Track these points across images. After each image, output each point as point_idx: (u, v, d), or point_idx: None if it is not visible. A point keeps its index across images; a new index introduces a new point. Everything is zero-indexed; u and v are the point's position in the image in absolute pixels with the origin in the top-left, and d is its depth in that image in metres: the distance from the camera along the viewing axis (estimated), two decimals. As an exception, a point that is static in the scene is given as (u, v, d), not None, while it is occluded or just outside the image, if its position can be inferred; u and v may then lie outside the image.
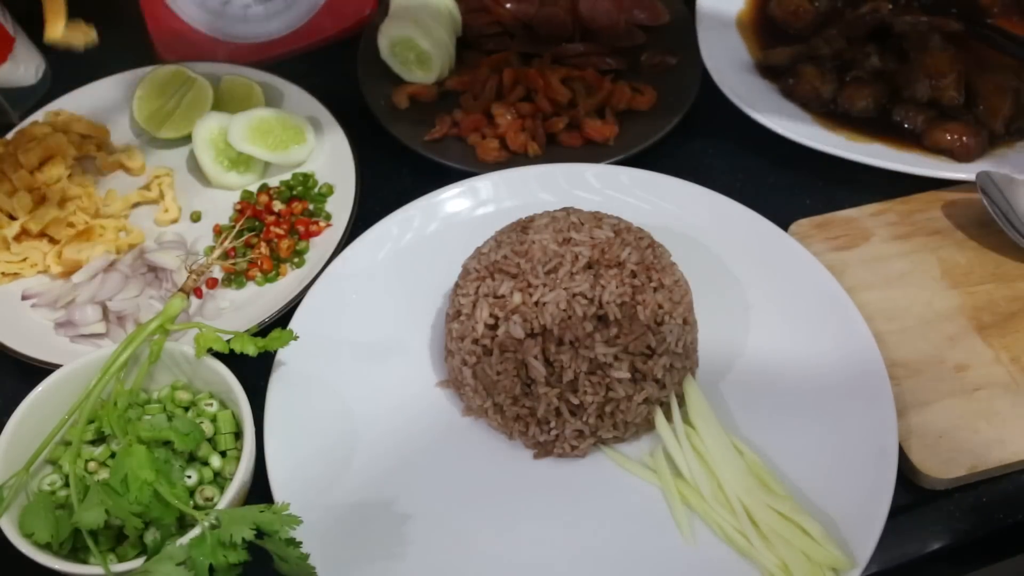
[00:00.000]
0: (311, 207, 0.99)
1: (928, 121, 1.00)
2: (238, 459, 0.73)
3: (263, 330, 0.83)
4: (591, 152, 1.02)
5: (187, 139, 1.05)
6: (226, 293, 0.94)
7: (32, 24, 1.14)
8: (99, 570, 0.65)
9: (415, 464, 0.79)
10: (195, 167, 1.04)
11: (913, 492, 0.78)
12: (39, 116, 1.06)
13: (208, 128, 1.01)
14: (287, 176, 1.03)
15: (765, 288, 0.89)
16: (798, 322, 0.86)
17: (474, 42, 1.15)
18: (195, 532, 0.66)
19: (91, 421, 0.74)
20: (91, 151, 1.04)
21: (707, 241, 0.92)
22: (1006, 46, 1.08)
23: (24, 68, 1.11)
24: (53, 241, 0.96)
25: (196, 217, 1.01)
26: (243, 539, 0.65)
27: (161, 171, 1.03)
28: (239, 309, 0.92)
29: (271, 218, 0.98)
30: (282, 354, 0.83)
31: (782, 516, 0.71)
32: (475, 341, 0.78)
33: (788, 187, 1.01)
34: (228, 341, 0.77)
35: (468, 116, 1.05)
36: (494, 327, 0.78)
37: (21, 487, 0.70)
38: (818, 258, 0.89)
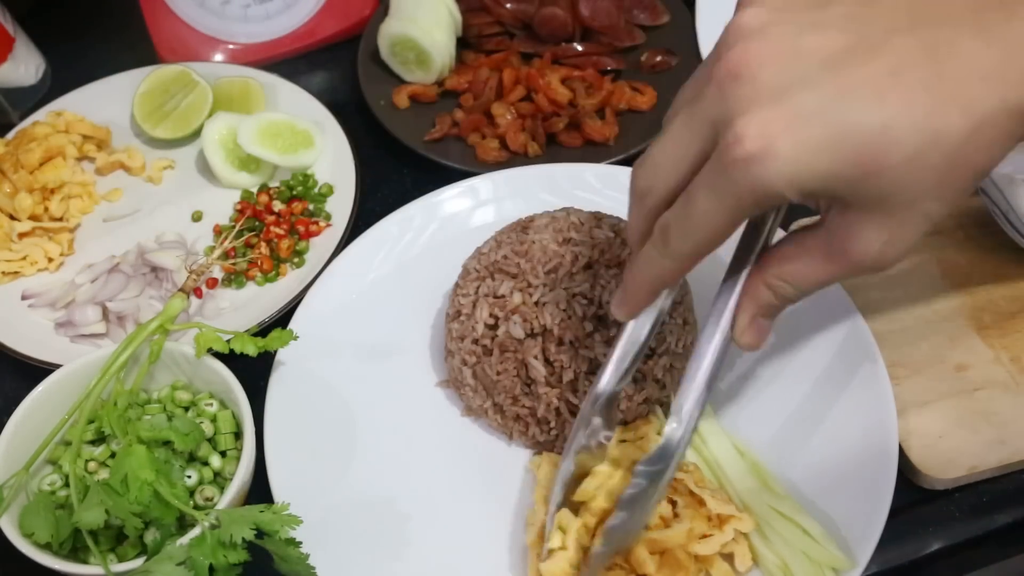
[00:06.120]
0: (311, 207, 0.99)
1: (928, 121, 1.00)
2: (238, 459, 0.72)
3: (263, 330, 0.83)
4: (591, 152, 1.02)
5: (185, 140, 1.05)
6: (226, 293, 0.94)
7: (32, 24, 1.15)
8: (99, 570, 0.65)
9: (415, 464, 0.79)
10: (195, 167, 1.04)
11: (913, 492, 0.78)
12: (40, 116, 1.06)
13: (218, 129, 1.01)
14: (287, 176, 1.03)
15: (765, 288, 0.89)
16: (798, 322, 0.85)
17: (474, 42, 1.15)
18: (195, 532, 0.66)
19: (91, 421, 0.74)
20: (91, 152, 1.04)
21: (707, 241, 0.92)
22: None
23: (24, 68, 1.11)
24: (54, 239, 0.96)
25: (196, 217, 1.01)
26: (243, 539, 0.65)
27: (165, 162, 1.05)
28: (239, 309, 0.92)
29: (271, 218, 0.98)
30: (282, 354, 0.83)
31: (782, 516, 0.71)
32: (475, 341, 0.78)
33: (788, 187, 1.01)
34: (228, 341, 0.77)
35: (468, 116, 1.05)
36: (494, 327, 0.78)
37: (21, 487, 0.70)
38: (818, 258, 0.89)
